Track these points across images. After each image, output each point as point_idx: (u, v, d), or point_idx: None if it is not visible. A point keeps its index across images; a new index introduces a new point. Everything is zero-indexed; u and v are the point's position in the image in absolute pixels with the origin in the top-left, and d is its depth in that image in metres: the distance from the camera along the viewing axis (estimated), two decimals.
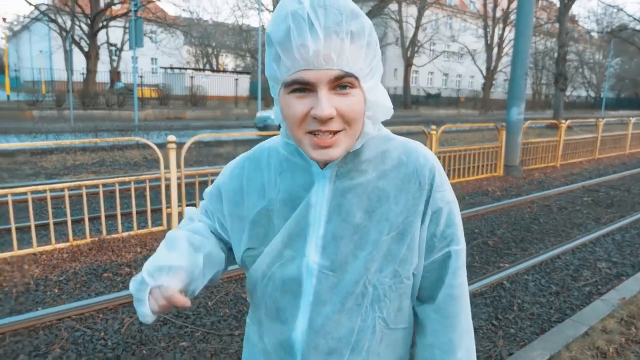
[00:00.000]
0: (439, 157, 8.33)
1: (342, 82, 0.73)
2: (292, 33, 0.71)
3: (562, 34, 20.40)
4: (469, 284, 4.05)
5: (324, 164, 0.83)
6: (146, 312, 0.80)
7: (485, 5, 35.83)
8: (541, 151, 10.83)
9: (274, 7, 36.22)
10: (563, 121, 11.48)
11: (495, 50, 36.34)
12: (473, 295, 3.92)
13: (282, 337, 0.89)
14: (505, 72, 38.90)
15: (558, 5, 21.77)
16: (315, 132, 0.75)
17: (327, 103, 0.72)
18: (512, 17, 33.63)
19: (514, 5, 32.22)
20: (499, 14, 35.66)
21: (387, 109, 0.83)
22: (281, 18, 0.73)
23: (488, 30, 36.04)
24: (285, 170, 0.87)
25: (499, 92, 45.63)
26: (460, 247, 0.89)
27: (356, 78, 0.74)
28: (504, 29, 35.53)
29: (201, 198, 1.08)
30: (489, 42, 36.07)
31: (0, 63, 41.08)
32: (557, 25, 24.53)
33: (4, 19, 30.43)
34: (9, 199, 4.44)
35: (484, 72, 37.02)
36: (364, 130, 0.80)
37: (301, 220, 0.85)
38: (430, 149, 7.90)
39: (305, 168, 0.85)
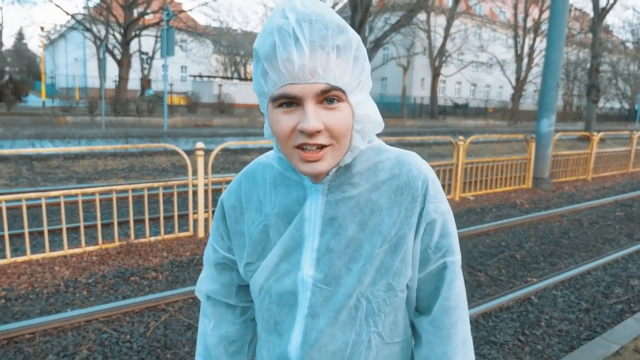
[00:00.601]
0: (465, 168, 8.23)
1: (328, 96, 0.73)
2: (277, 48, 0.71)
3: (596, 45, 19.95)
4: (495, 298, 3.97)
5: (315, 178, 0.83)
6: None
7: (515, 15, 35.37)
8: (572, 164, 10.57)
9: None
10: (595, 133, 11.18)
11: (525, 60, 35.76)
12: (499, 309, 3.84)
13: (279, 351, 0.89)
14: (535, 83, 38.21)
15: (592, 15, 21.29)
16: (304, 147, 0.74)
17: (313, 117, 0.72)
18: (544, 27, 33.12)
19: (545, 15, 31.73)
20: (529, 24, 35.13)
21: (377, 124, 0.82)
22: (267, 33, 0.73)
23: (518, 40, 35.51)
24: (280, 185, 0.87)
25: (528, 103, 44.78)
26: (455, 258, 0.88)
27: (343, 92, 0.74)
28: (534, 39, 34.96)
29: None
30: (519, 52, 35.54)
31: (38, 70, 42.64)
32: (590, 35, 24.01)
33: (42, 28, 31.55)
34: (43, 202, 4.58)
35: (513, 82, 36.46)
36: (353, 145, 0.80)
37: (296, 234, 0.85)
38: (457, 159, 7.81)
39: (298, 182, 0.85)
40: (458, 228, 6.38)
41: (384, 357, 0.88)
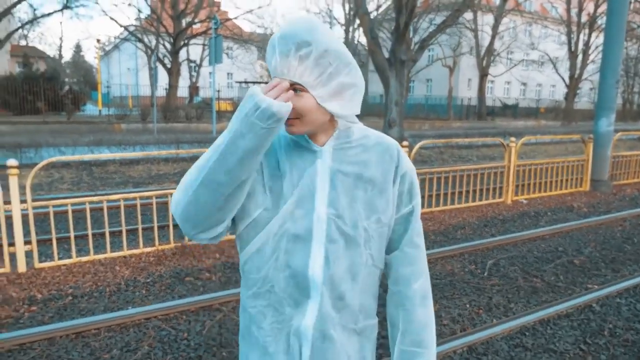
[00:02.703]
0: (517, 171, 7.98)
1: (294, 87, 1.05)
2: (268, 53, 1.08)
3: None
4: (554, 305, 3.82)
5: (319, 143, 1.14)
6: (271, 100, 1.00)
7: (568, 10, 33.86)
8: (634, 165, 10.01)
9: (346, 20, 36.27)
10: None
11: (579, 57, 34.18)
12: (558, 317, 3.69)
13: (298, 279, 1.12)
14: (591, 81, 36.48)
15: None
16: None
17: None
18: (600, 21, 31.56)
19: (601, 9, 30.25)
20: (584, 18, 33.54)
21: (340, 113, 1.10)
22: (269, 42, 1.09)
23: (572, 36, 34.01)
24: (292, 149, 1.16)
25: (583, 102, 42.79)
26: (417, 200, 1.21)
27: (303, 86, 1.05)
28: (589, 35, 33.35)
29: None
30: (572, 49, 34.03)
31: (94, 80, 44.91)
32: None
33: (98, 40, 33.20)
34: (104, 205, 4.83)
35: (567, 80, 34.93)
36: (336, 115, 1.11)
37: (309, 184, 1.12)
38: (509, 161, 7.58)
39: (308, 148, 1.15)
40: (511, 231, 6.18)
41: (371, 278, 1.18)
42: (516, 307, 3.90)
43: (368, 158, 1.16)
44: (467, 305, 3.90)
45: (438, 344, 3.09)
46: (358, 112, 1.14)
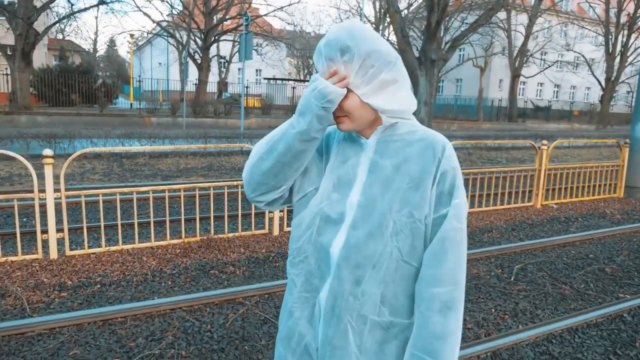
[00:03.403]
0: (549, 174, 7.78)
1: None
2: (315, 57, 1.18)
3: None
4: (582, 313, 3.72)
5: (367, 136, 1.22)
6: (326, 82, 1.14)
7: (607, 10, 32.78)
8: None
9: (376, 18, 35.98)
10: None
11: (617, 59, 33.07)
12: (586, 326, 3.59)
13: (322, 254, 1.20)
14: (628, 84, 35.27)
15: None
16: (335, 114, 1.17)
17: None
18: None
19: None
20: (623, 19, 32.44)
21: (385, 109, 1.17)
22: (317, 48, 1.18)
23: (610, 37, 32.93)
24: (347, 140, 1.26)
25: (620, 105, 41.42)
26: (458, 201, 1.16)
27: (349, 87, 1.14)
28: (629, 36, 32.19)
29: None
30: (610, 50, 32.95)
31: (126, 74, 45.92)
32: None
33: (132, 35, 33.90)
34: (134, 196, 4.93)
35: (603, 83, 33.86)
36: (381, 112, 1.17)
37: (350, 172, 1.21)
38: (540, 164, 7.41)
39: (356, 139, 1.24)
40: (539, 236, 6.03)
41: (401, 275, 1.16)
42: (543, 314, 3.80)
43: (409, 152, 1.19)
44: (493, 310, 3.83)
45: (460, 348, 3.05)
46: (405, 107, 1.19)
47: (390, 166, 1.18)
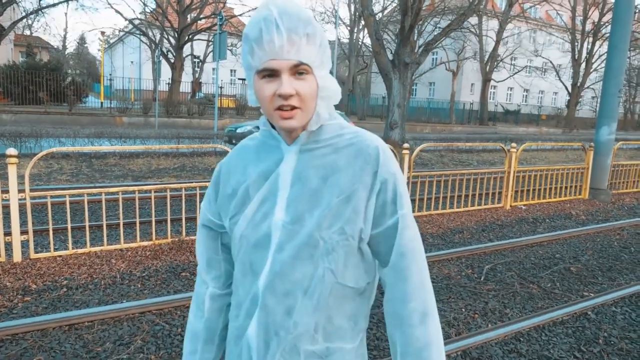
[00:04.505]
0: (517, 177, 7.98)
1: (299, 69, 0.96)
2: (263, 32, 0.95)
3: None
4: (549, 311, 3.81)
5: (290, 139, 1.05)
6: None
7: (573, 18, 33.90)
8: (633, 174, 10.01)
9: (351, 21, 36.23)
10: None
11: (583, 65, 34.20)
12: (553, 324, 3.68)
13: (252, 289, 1.06)
14: (593, 89, 36.48)
15: None
16: (281, 108, 0.97)
17: (288, 84, 0.95)
18: (604, 30, 31.55)
19: (606, 18, 30.25)
20: (589, 27, 33.58)
21: (336, 91, 1.04)
22: (256, 21, 0.96)
23: (576, 44, 34.02)
24: (261, 150, 1.10)
25: (585, 110, 42.79)
26: (405, 211, 1.05)
27: (309, 67, 0.97)
28: (593, 43, 33.37)
29: None
30: (576, 57, 34.04)
31: (97, 72, 44.87)
32: None
33: (103, 33, 33.15)
34: (103, 197, 4.81)
35: (570, 88, 34.94)
36: (317, 111, 1.02)
37: (272, 186, 1.05)
38: (510, 167, 7.58)
39: (276, 146, 1.07)
40: (508, 237, 6.16)
41: (336, 296, 1.04)
42: (512, 313, 3.89)
43: (337, 160, 1.04)
44: (463, 310, 3.89)
45: None
46: (339, 98, 1.06)
47: (316, 177, 1.02)
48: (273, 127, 1.07)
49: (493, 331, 3.45)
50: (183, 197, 5.25)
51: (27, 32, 40.32)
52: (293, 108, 0.97)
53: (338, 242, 1.01)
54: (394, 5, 30.81)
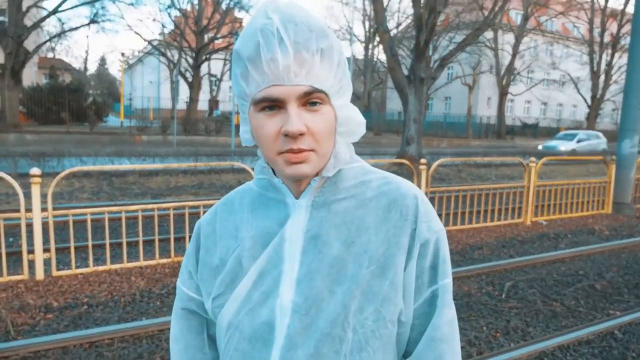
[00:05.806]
0: (537, 191, 7.86)
1: (311, 99, 0.70)
2: (261, 48, 0.68)
3: None
4: (574, 330, 3.71)
5: (299, 191, 0.78)
6: None
7: (591, 30, 33.63)
8: None
9: (366, 37, 36.50)
10: None
11: (602, 77, 33.79)
12: (578, 343, 3.58)
13: None
14: (614, 101, 35.93)
15: None
16: (289, 150, 0.70)
17: (297, 119, 0.68)
18: (623, 42, 31.20)
19: (625, 29, 29.92)
20: (607, 39, 33.25)
21: (359, 124, 0.79)
22: (250, 33, 0.70)
23: (594, 56, 33.68)
24: (258, 206, 0.81)
25: (605, 122, 42.13)
26: (447, 281, 0.79)
27: (326, 94, 0.71)
28: (612, 55, 32.99)
29: None
30: (594, 69, 33.68)
31: (117, 92, 45.96)
32: None
33: (123, 54, 34.04)
34: (123, 215, 4.89)
35: (589, 101, 34.51)
36: (337, 150, 0.76)
37: (274, 256, 0.77)
38: (529, 181, 7.47)
39: (279, 201, 0.79)
40: (529, 253, 6.05)
41: None
42: (535, 332, 3.80)
43: (363, 216, 0.77)
44: (484, 328, 3.82)
45: None
46: (362, 132, 0.81)
47: (337, 241, 0.76)
48: (274, 173, 0.79)
49: (516, 350, 3.37)
50: (201, 214, 5.29)
51: (50, 55, 41.63)
52: (304, 150, 0.70)
53: (374, 332, 0.73)
54: (409, 21, 30.99)
